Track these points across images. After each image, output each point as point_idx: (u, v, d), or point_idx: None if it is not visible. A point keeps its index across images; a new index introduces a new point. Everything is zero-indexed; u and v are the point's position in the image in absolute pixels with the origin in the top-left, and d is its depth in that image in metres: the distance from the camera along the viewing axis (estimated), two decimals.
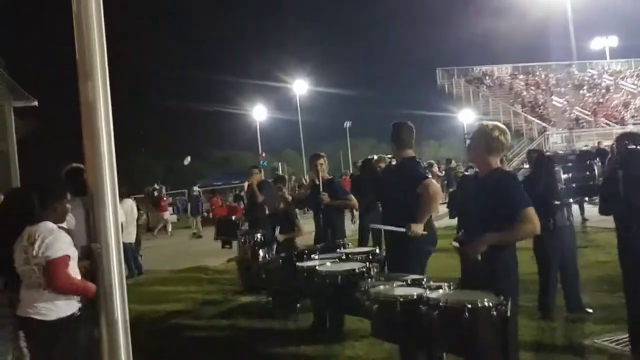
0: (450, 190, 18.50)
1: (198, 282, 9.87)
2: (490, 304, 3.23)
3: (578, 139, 30.80)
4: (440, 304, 3.35)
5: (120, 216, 4.59)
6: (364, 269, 4.54)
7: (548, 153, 8.62)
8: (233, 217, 11.92)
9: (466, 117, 37.02)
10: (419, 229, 4.65)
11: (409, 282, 4.02)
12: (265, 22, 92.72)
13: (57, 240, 3.83)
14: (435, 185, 5.01)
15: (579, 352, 4.96)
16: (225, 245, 11.08)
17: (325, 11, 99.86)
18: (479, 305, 3.23)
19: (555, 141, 30.54)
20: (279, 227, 7.68)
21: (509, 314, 3.25)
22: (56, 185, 4.66)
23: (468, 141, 4.77)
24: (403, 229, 4.70)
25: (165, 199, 23.99)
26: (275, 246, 7.58)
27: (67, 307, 3.87)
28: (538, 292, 6.06)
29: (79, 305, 3.95)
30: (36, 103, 13.43)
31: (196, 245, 15.84)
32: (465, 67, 39.12)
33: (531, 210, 3.60)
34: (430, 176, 5.31)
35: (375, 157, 8.84)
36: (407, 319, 3.53)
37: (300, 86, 45.29)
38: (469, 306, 3.22)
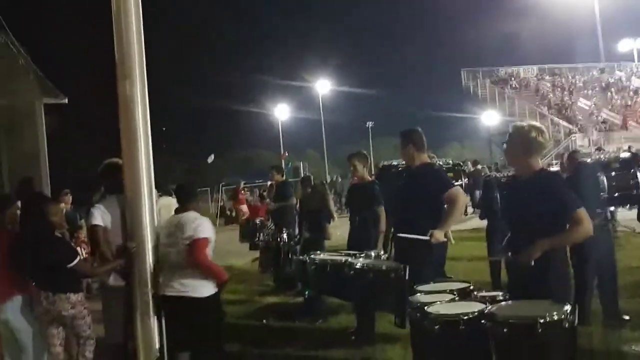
0: (479, 191, 18.32)
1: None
2: (563, 316, 3.05)
3: (606, 142, 30.31)
4: (510, 320, 3.13)
5: (158, 213, 4.59)
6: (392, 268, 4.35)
7: (589, 159, 8.42)
8: (257, 221, 11.93)
9: (490, 118, 36.67)
10: (440, 235, 4.54)
11: (455, 292, 3.90)
12: (289, 21, 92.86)
13: (200, 225, 4.34)
14: (463, 194, 4.96)
15: (616, 359, 4.86)
16: (253, 247, 11.11)
17: (349, 11, 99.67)
18: (555, 318, 3.04)
19: (582, 144, 30.08)
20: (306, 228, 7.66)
21: (576, 322, 3.13)
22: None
23: (505, 145, 4.64)
24: (426, 237, 4.63)
25: None
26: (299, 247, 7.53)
27: (211, 286, 4.36)
28: (574, 297, 5.92)
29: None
30: (66, 100, 13.60)
31: (221, 244, 15.85)
32: (491, 68, 38.79)
33: (583, 212, 3.49)
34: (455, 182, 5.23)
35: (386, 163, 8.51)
36: (471, 339, 3.34)
37: (323, 86, 45.24)
38: (542, 321, 3.01)
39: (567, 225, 3.53)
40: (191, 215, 4.36)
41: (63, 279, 4.29)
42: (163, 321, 4.23)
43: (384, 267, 4.41)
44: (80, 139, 37.40)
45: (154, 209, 4.36)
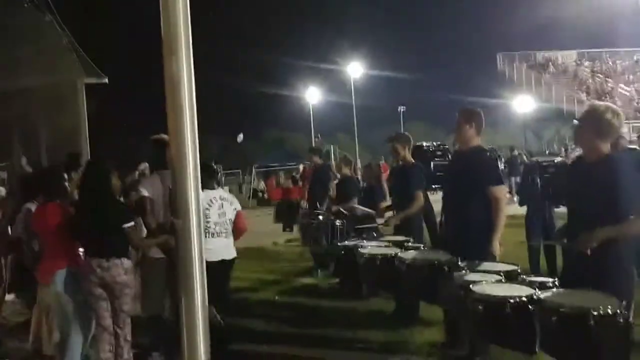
0: (515, 178, 18.07)
1: (259, 262, 9.95)
2: (618, 310, 2.91)
3: None
4: (561, 309, 3.02)
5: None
6: (447, 261, 4.30)
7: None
8: (293, 200, 11.97)
9: (524, 104, 35.91)
10: (496, 249, 4.46)
11: (501, 274, 3.81)
12: (322, 3, 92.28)
13: (235, 198, 5.55)
14: (506, 194, 4.87)
15: None
16: (286, 229, 11.13)
17: None
18: (609, 311, 2.90)
19: (623, 131, 29.29)
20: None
21: (631, 319, 2.99)
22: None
23: (575, 122, 4.45)
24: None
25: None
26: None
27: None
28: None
29: None
30: (106, 80, 13.82)
31: (253, 226, 15.96)
32: (528, 52, 37.96)
33: None
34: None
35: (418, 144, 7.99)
36: (518, 323, 3.26)
37: (355, 69, 44.91)
38: (595, 313, 2.88)
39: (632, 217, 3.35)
40: (224, 191, 4.67)
41: (118, 243, 4.36)
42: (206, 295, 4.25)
43: (438, 261, 4.32)
44: (120, 117, 38.03)
45: (199, 186, 4.37)
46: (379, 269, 4.65)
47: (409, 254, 4.57)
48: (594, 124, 3.54)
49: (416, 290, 4.50)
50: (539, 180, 7.35)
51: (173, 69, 4.29)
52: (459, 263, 4.16)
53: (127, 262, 4.43)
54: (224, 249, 5.20)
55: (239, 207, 5.44)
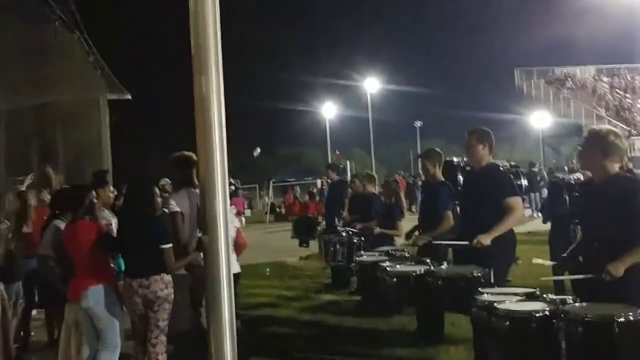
0: (534, 194, 17.94)
1: (280, 278, 9.95)
2: None
3: None
4: (586, 318, 3.09)
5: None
6: (480, 273, 4.35)
7: None
8: (311, 216, 12.00)
9: (541, 119, 35.65)
10: (486, 240, 4.45)
11: (521, 295, 3.84)
12: (338, 19, 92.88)
13: (233, 215, 5.60)
14: (522, 206, 4.90)
15: None
16: (303, 244, 11.14)
17: (398, 9, 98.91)
18: (631, 318, 2.97)
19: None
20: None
21: None
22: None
23: (579, 148, 4.53)
24: (466, 242, 4.51)
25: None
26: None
27: None
28: None
29: None
30: (129, 96, 14.03)
31: (271, 242, 16.00)
32: (546, 68, 37.74)
33: None
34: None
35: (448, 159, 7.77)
36: (545, 338, 3.30)
37: (372, 84, 45.03)
38: (619, 320, 2.95)
39: None
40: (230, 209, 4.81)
41: (158, 261, 4.39)
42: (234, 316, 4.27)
43: (471, 274, 4.36)
44: (142, 134, 38.48)
45: (227, 203, 4.40)
46: (410, 286, 4.66)
47: (442, 269, 4.63)
48: (599, 145, 3.63)
49: (452, 304, 4.50)
50: (565, 197, 7.30)
51: (203, 90, 4.37)
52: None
53: (167, 277, 4.47)
54: (233, 264, 5.24)
55: (238, 225, 5.67)
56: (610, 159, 3.62)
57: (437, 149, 6.44)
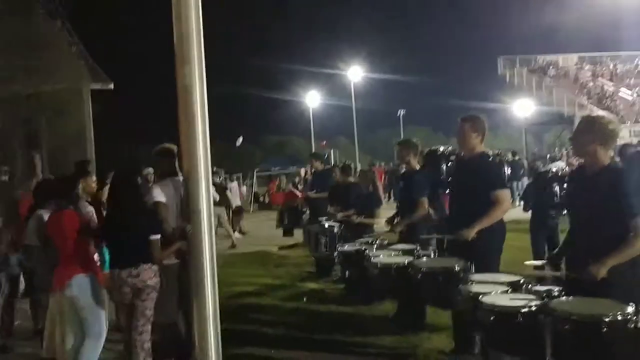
0: (516, 182, 18.10)
1: (265, 267, 10.00)
2: (628, 316, 2.95)
3: None
4: (572, 317, 3.05)
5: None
6: (461, 267, 4.35)
7: None
8: (296, 205, 12.04)
9: (524, 108, 35.86)
10: (470, 233, 4.46)
11: (505, 285, 3.84)
12: (322, 8, 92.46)
13: None
14: (509, 198, 4.86)
15: None
16: (287, 234, 11.20)
17: None
18: (619, 317, 2.94)
19: (623, 135, 29.33)
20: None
21: None
22: None
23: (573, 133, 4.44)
24: (451, 236, 4.56)
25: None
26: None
27: None
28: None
29: None
30: (112, 86, 13.91)
31: (255, 230, 16.04)
32: (529, 56, 37.86)
33: None
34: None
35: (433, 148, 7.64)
36: (530, 332, 3.29)
37: (356, 73, 45.00)
38: (607, 319, 2.93)
39: (629, 231, 3.39)
40: None
41: (145, 251, 4.38)
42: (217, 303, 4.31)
43: (453, 267, 4.35)
44: (125, 124, 38.19)
45: (211, 192, 4.44)
46: (393, 278, 4.68)
47: (423, 262, 4.59)
48: (599, 133, 3.58)
49: (432, 297, 4.53)
50: (552, 189, 7.38)
51: (186, 79, 4.37)
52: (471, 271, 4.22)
53: (154, 266, 4.45)
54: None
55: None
56: (606, 147, 3.57)
57: (414, 139, 6.58)
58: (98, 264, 4.84)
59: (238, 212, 15.21)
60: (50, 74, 11.73)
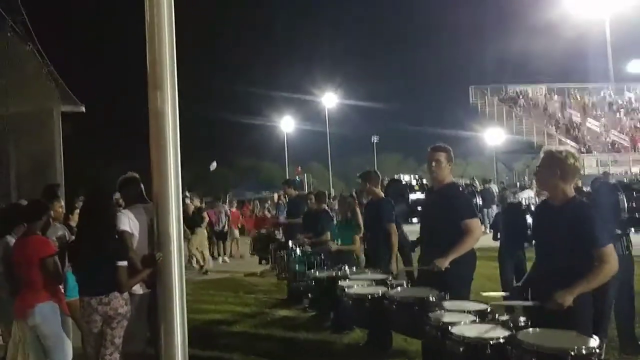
0: (487, 210, 18.31)
1: (235, 293, 9.89)
2: (593, 350, 3.02)
3: (614, 163, 30.28)
4: (539, 350, 3.09)
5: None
6: (436, 297, 4.30)
7: (612, 181, 8.42)
8: (266, 231, 12.00)
9: (495, 136, 36.52)
10: (444, 263, 4.46)
11: (473, 313, 3.84)
12: (296, 34, 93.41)
13: None
14: (480, 227, 4.90)
15: None
16: (262, 261, 11.09)
17: (356, 25, 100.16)
18: (584, 352, 3.01)
19: (590, 164, 30.02)
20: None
21: (603, 356, 3.08)
22: None
23: (537, 169, 4.54)
24: (425, 267, 4.58)
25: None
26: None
27: None
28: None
29: None
30: (83, 108, 13.76)
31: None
32: (499, 86, 38.67)
33: (611, 249, 3.46)
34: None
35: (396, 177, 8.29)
36: None
37: (330, 99, 45.40)
38: (572, 353, 2.99)
39: (594, 261, 3.46)
40: None
41: (114, 278, 4.24)
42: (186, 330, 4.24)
43: (429, 297, 4.31)
44: (95, 147, 37.80)
45: (181, 219, 4.38)
46: (367, 308, 4.64)
47: (398, 292, 4.56)
48: (558, 168, 3.65)
49: (405, 327, 4.50)
50: (514, 219, 7.47)
51: (158, 104, 4.35)
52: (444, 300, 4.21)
53: (125, 295, 4.32)
54: None
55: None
56: (568, 181, 3.65)
57: (375, 170, 6.86)
58: (62, 290, 4.73)
59: (227, 236, 15.11)
60: (20, 95, 11.57)
